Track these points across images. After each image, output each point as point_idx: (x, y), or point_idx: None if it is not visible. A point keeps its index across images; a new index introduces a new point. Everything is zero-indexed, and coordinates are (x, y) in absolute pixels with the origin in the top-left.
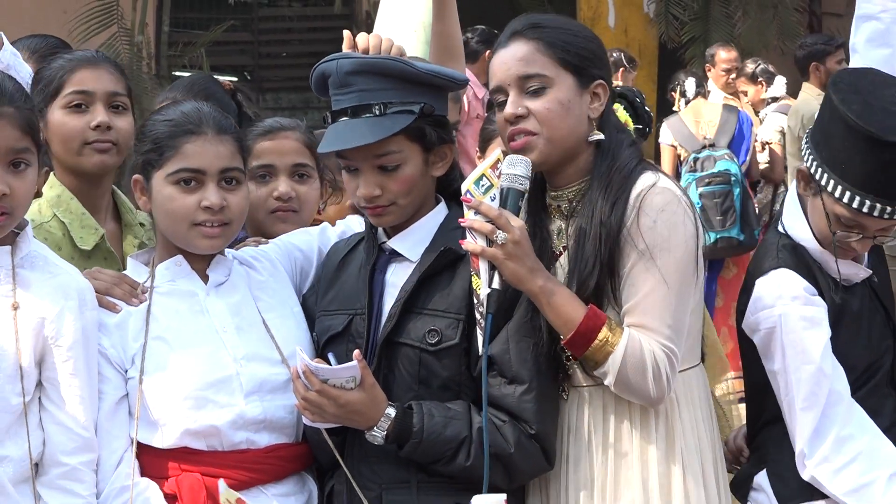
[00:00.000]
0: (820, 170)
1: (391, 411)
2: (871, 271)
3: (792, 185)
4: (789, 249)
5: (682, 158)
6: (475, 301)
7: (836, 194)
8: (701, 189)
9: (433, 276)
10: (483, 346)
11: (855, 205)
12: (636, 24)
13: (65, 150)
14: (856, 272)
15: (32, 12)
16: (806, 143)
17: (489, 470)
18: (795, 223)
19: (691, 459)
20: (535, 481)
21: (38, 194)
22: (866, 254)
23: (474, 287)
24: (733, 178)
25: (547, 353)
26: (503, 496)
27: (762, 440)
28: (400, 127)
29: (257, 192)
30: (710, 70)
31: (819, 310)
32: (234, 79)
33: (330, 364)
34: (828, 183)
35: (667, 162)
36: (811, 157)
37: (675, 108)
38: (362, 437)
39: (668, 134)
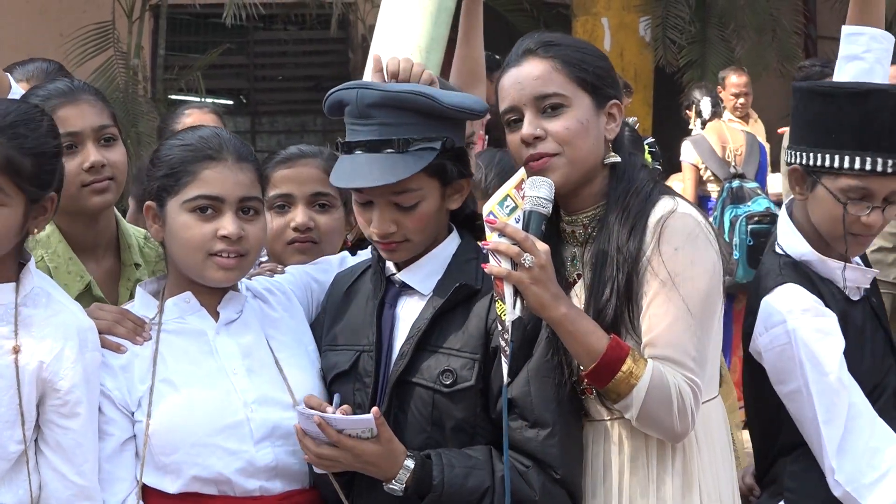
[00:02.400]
0: (812, 154)
1: (410, 463)
2: (878, 271)
3: (782, 209)
4: (791, 266)
5: (703, 178)
6: (499, 327)
7: (837, 164)
8: (752, 226)
9: (447, 312)
10: (505, 376)
11: (857, 166)
12: (632, 47)
13: (63, 193)
14: (862, 276)
15: (29, 36)
16: (789, 146)
17: None
18: (791, 240)
19: (710, 494)
20: None
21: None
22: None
23: (498, 313)
24: (773, 218)
25: (569, 393)
26: None
27: (776, 472)
28: (422, 166)
29: (275, 223)
30: (720, 92)
31: (830, 320)
32: (230, 102)
33: (333, 403)
34: (824, 161)
35: (689, 180)
36: (798, 151)
37: (690, 127)
38: (372, 482)
39: (691, 152)
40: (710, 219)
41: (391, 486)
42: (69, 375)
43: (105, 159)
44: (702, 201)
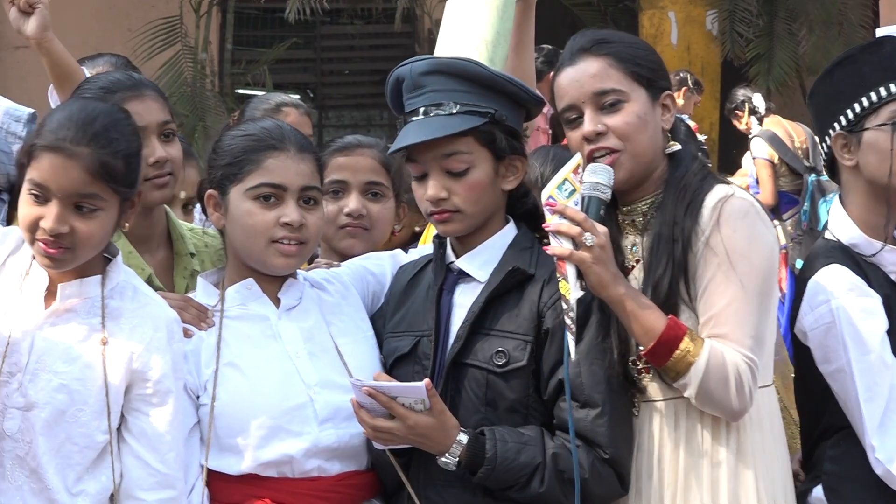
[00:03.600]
0: (847, 111)
1: (463, 437)
2: None
3: (834, 199)
4: (838, 249)
5: (777, 171)
6: (564, 306)
7: (875, 99)
8: None
9: (501, 296)
10: (572, 352)
11: (893, 89)
12: (699, 41)
13: None
14: None
15: (98, 31)
16: (824, 119)
17: (563, 496)
18: (841, 225)
19: (763, 476)
20: None
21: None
22: None
23: (562, 292)
24: None
25: (619, 376)
26: None
27: (818, 456)
28: (470, 125)
29: (329, 208)
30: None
31: (874, 300)
32: (297, 96)
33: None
34: (861, 105)
35: (766, 176)
36: (834, 122)
37: (743, 126)
38: (429, 460)
39: (763, 147)
40: (799, 213)
41: (444, 460)
42: (159, 365)
43: (167, 155)
44: (780, 196)
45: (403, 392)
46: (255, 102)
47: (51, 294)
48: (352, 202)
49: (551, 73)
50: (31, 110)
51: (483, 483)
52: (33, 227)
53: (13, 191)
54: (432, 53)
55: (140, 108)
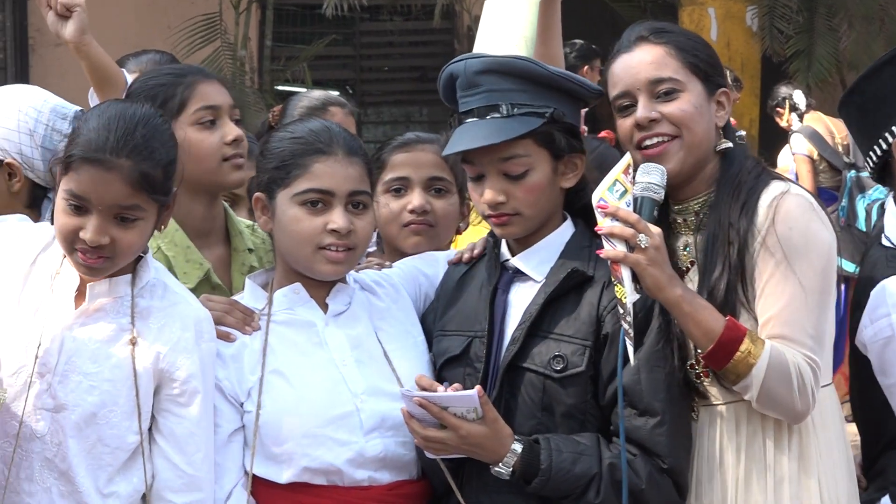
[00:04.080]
0: None
1: (517, 447)
2: None
3: (888, 201)
4: None
5: (816, 167)
6: (620, 311)
7: None
8: None
9: (559, 298)
10: (631, 357)
11: None
12: (739, 37)
13: (200, 169)
14: None
15: (137, 28)
16: (877, 119)
17: None
18: None
19: (826, 477)
20: None
21: None
22: None
23: (618, 296)
24: None
25: (678, 382)
26: None
27: (883, 465)
28: (528, 129)
29: (391, 206)
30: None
31: None
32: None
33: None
34: None
35: (806, 172)
36: (889, 125)
37: (784, 123)
38: (481, 466)
39: (803, 143)
40: (837, 209)
41: (498, 470)
42: (186, 365)
43: (242, 135)
44: (819, 192)
45: (455, 401)
46: (298, 100)
47: (80, 294)
48: (415, 198)
49: (585, 68)
50: (78, 108)
51: (538, 493)
52: (72, 238)
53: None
54: (471, 50)
55: (211, 90)
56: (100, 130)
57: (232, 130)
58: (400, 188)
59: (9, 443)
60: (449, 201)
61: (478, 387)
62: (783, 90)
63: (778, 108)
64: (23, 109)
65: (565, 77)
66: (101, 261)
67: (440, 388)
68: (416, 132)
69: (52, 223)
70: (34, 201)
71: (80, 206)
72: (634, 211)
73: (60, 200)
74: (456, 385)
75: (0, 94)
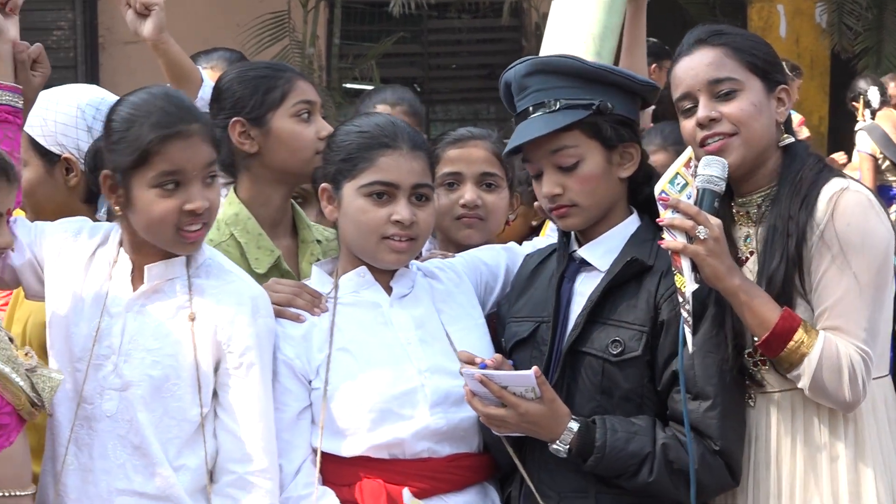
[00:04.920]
0: None
1: (574, 425)
2: None
3: None
4: None
5: (880, 167)
6: (679, 299)
7: None
8: None
9: (620, 286)
10: (689, 345)
11: None
12: (808, 34)
13: (295, 158)
14: None
15: (206, 26)
16: None
17: (673, 486)
18: None
19: (881, 467)
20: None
21: None
22: None
23: (678, 285)
24: None
25: (732, 369)
26: None
27: None
28: (571, 120)
29: (444, 200)
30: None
31: None
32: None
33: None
34: None
35: (867, 170)
36: None
37: (858, 118)
38: (541, 445)
39: (867, 141)
40: None
41: (555, 447)
42: (242, 339)
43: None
44: (881, 191)
45: (513, 381)
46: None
47: (137, 278)
48: (467, 193)
49: (653, 66)
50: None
51: (593, 471)
52: (175, 218)
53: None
54: (539, 47)
55: (307, 87)
56: (158, 110)
57: (325, 126)
58: (453, 182)
59: (80, 425)
60: (499, 195)
61: (535, 367)
62: (861, 84)
63: (853, 103)
64: (81, 106)
65: (610, 70)
66: (204, 228)
67: (478, 358)
68: (469, 127)
69: (109, 219)
70: (90, 196)
71: (176, 183)
72: (695, 203)
73: (148, 192)
74: (498, 356)
75: (58, 91)
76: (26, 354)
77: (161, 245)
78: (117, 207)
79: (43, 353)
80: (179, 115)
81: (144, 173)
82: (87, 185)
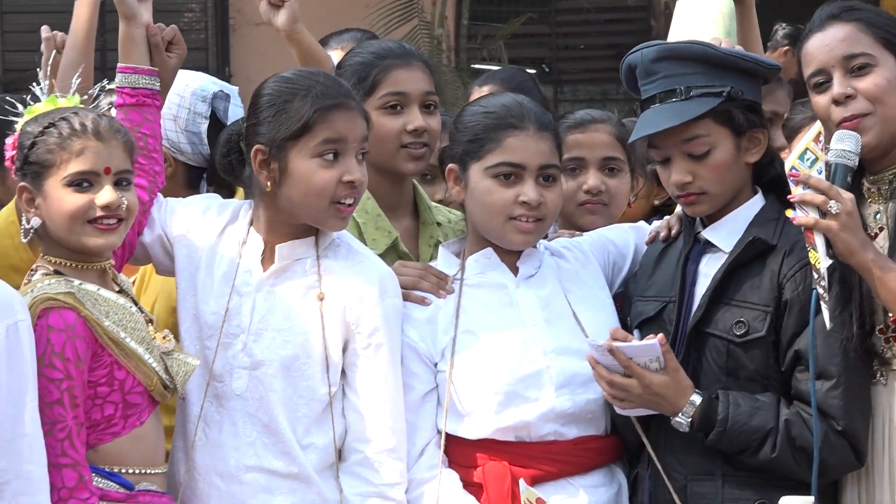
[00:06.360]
0: None
1: (696, 398)
2: None
3: None
4: None
5: None
6: (815, 276)
7: None
8: None
9: (743, 266)
10: (827, 321)
11: None
12: None
13: (378, 151)
14: None
15: (335, 7)
16: None
17: (796, 463)
18: None
19: None
20: (850, 476)
21: None
22: None
23: (812, 262)
24: None
25: (857, 348)
26: (811, 499)
27: None
28: (704, 109)
29: (567, 185)
30: None
31: None
32: (533, 71)
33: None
34: None
35: None
36: None
37: None
38: (668, 427)
39: None
40: None
41: (678, 420)
42: (371, 319)
43: (426, 125)
44: None
45: (638, 352)
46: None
47: (268, 258)
48: (590, 179)
49: (787, 49)
50: (216, 89)
51: (715, 445)
52: (333, 188)
53: (212, 170)
54: (668, 27)
55: (406, 76)
56: (320, 84)
57: (415, 119)
58: (575, 168)
59: (210, 402)
60: (622, 180)
61: (660, 335)
62: None
63: None
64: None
65: (740, 56)
66: (355, 205)
67: (632, 339)
68: (590, 111)
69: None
70: (191, 182)
71: (335, 155)
72: (827, 178)
73: (309, 162)
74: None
75: None
76: (164, 338)
77: (311, 219)
78: (268, 183)
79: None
80: (339, 89)
81: (306, 143)
82: (185, 172)
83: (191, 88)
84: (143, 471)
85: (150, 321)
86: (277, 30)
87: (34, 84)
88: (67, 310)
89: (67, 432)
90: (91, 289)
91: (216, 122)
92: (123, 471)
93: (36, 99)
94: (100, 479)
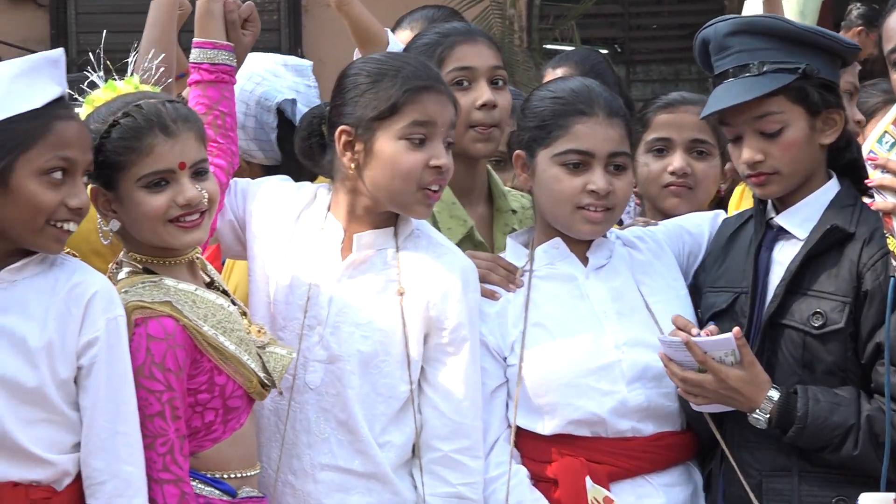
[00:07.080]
0: None
1: (774, 394)
2: None
3: None
4: None
5: None
6: (893, 262)
7: None
8: None
9: (819, 255)
10: None
11: None
12: None
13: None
14: None
15: None
16: None
17: (879, 460)
18: None
19: None
20: None
21: None
22: None
23: (890, 248)
24: None
25: None
26: (892, 496)
27: None
28: (778, 85)
29: (652, 166)
30: None
31: None
32: (606, 51)
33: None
34: None
35: None
36: None
37: None
38: (743, 423)
39: None
40: None
41: (755, 417)
42: (454, 314)
43: (495, 100)
44: None
45: (713, 346)
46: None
47: (346, 247)
48: (676, 160)
49: (861, 29)
50: (282, 98)
51: (794, 443)
52: (419, 173)
53: (287, 164)
54: (741, 7)
55: (471, 51)
56: (409, 66)
57: (483, 94)
58: (662, 149)
59: (282, 396)
60: (710, 164)
61: (735, 329)
62: None
63: None
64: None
65: (817, 32)
66: (440, 192)
67: (695, 329)
68: (682, 92)
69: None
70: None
71: (423, 137)
72: None
73: (396, 143)
74: (712, 328)
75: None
76: (259, 331)
77: (396, 204)
78: (352, 165)
79: None
80: (430, 73)
81: (394, 123)
82: (260, 171)
83: (255, 96)
84: (243, 474)
85: (244, 313)
86: (327, 3)
87: (88, 70)
88: (166, 317)
89: (169, 447)
90: (188, 288)
91: (284, 120)
92: (226, 476)
93: (94, 85)
94: (203, 486)
